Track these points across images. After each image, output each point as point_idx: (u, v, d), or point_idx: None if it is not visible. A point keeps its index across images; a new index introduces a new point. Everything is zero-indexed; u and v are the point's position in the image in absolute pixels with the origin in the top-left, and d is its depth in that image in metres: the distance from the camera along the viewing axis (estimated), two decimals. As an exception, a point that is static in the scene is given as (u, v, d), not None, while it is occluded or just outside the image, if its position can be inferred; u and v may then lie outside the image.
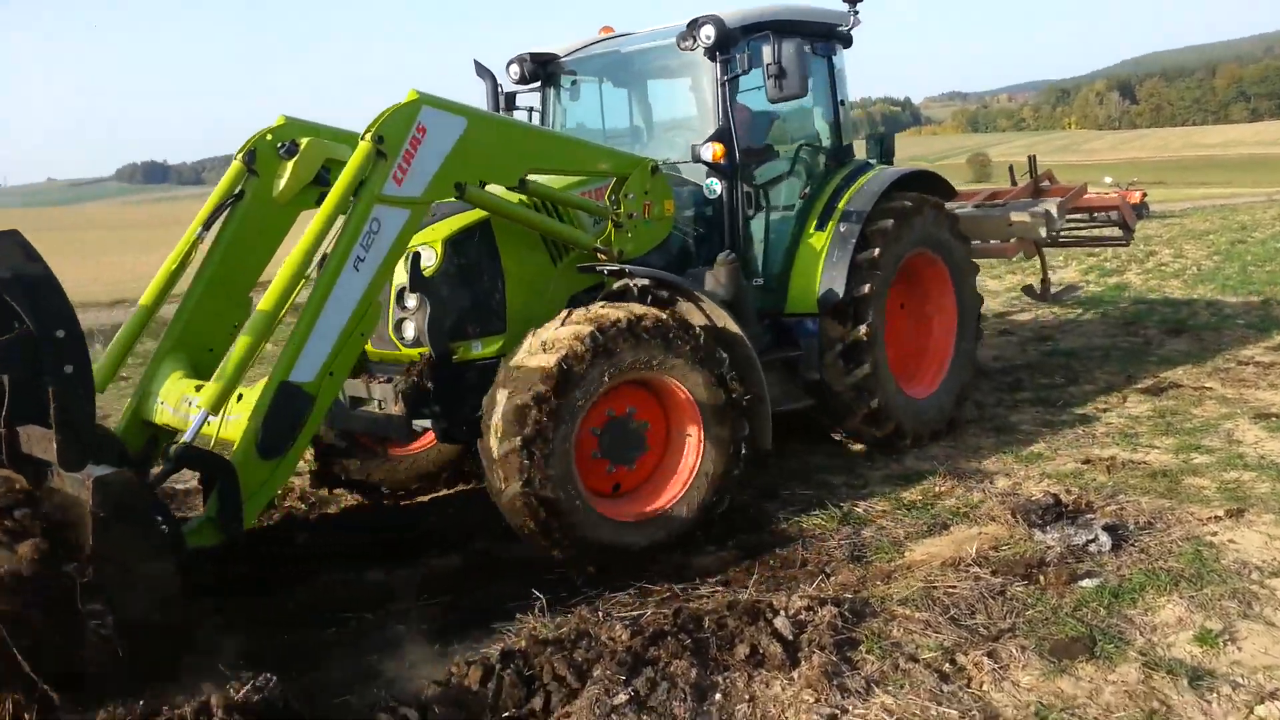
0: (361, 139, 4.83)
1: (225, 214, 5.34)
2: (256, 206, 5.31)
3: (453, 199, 5.25)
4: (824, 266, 6.86)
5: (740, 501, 5.94)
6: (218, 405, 4.41)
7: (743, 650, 4.03)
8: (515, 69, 7.34)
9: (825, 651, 3.99)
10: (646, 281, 5.78)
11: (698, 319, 5.80)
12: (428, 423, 5.52)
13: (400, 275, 5.40)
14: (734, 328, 5.81)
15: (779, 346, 6.87)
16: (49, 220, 74.83)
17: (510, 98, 7.41)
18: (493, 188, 5.56)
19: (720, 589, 4.87)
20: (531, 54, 7.29)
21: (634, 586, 4.91)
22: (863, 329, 6.77)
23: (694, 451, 5.53)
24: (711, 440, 5.49)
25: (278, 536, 6.03)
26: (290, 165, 5.24)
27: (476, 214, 5.66)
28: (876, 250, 6.88)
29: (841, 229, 6.94)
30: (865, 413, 6.91)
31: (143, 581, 3.57)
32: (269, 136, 5.31)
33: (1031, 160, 10.23)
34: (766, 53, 6.21)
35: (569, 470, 5.00)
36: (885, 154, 8.07)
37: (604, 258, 6.01)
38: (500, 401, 4.97)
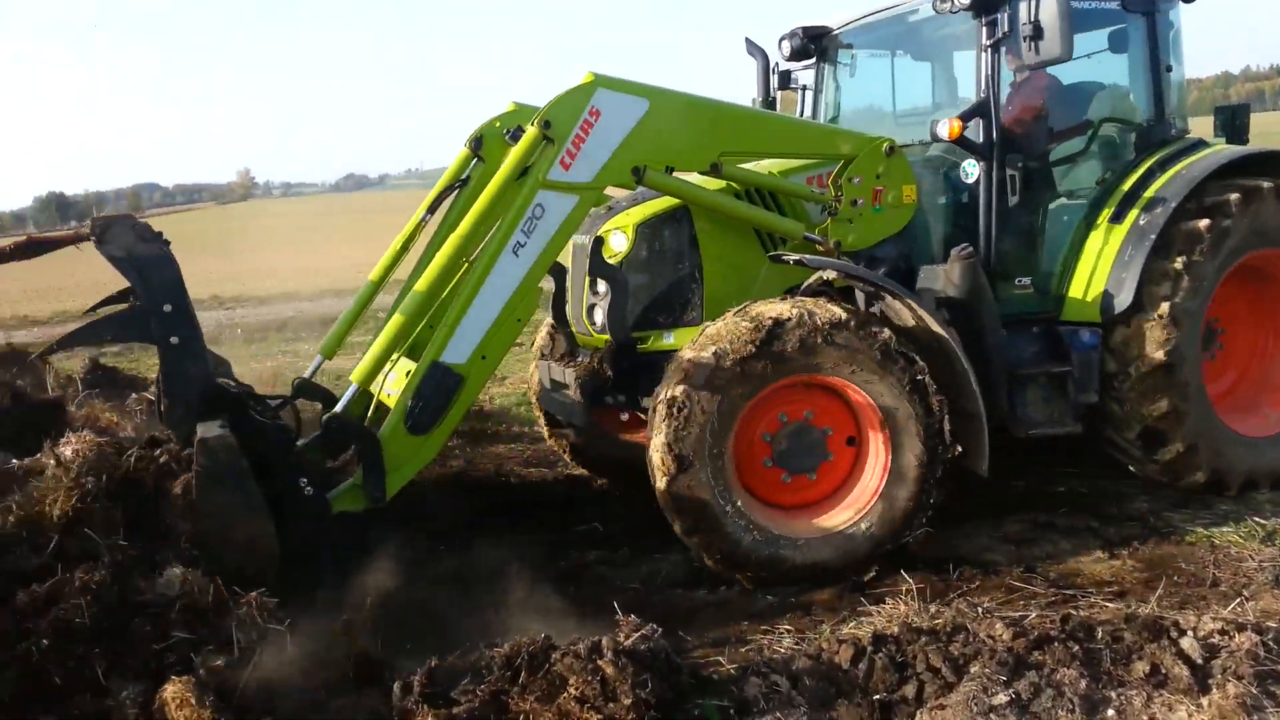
0: (531, 124, 4.84)
1: (451, 198, 5.58)
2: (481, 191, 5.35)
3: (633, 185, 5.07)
4: (1113, 267, 5.62)
5: (1137, 510, 5.43)
6: (367, 380, 4.62)
7: (1141, 668, 3.68)
8: (787, 44, 6.79)
9: (1243, 682, 3.54)
10: (833, 276, 5.25)
11: (906, 320, 5.10)
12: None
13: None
14: (940, 332, 4.92)
15: (1049, 359, 5.71)
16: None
17: (785, 75, 6.96)
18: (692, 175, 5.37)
19: (1114, 600, 4.50)
20: (804, 28, 6.72)
21: (1014, 587, 4.66)
22: (1160, 351, 5.44)
23: (879, 470, 4.93)
24: (898, 459, 4.86)
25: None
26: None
27: (676, 199, 5.45)
28: (1189, 247, 5.55)
29: (1141, 221, 5.62)
30: (1165, 457, 5.63)
31: (238, 538, 3.81)
32: (497, 124, 5.42)
33: None
34: (1023, 10, 5.21)
35: (720, 472, 4.69)
36: (1235, 132, 6.55)
37: (821, 249, 5.46)
38: (658, 394, 4.79)
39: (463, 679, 3.67)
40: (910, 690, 3.68)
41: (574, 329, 5.85)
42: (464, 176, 5.65)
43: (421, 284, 4.78)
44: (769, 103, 6.87)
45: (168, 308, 3.99)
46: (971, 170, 5.61)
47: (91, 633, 3.36)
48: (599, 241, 5.40)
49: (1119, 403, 5.61)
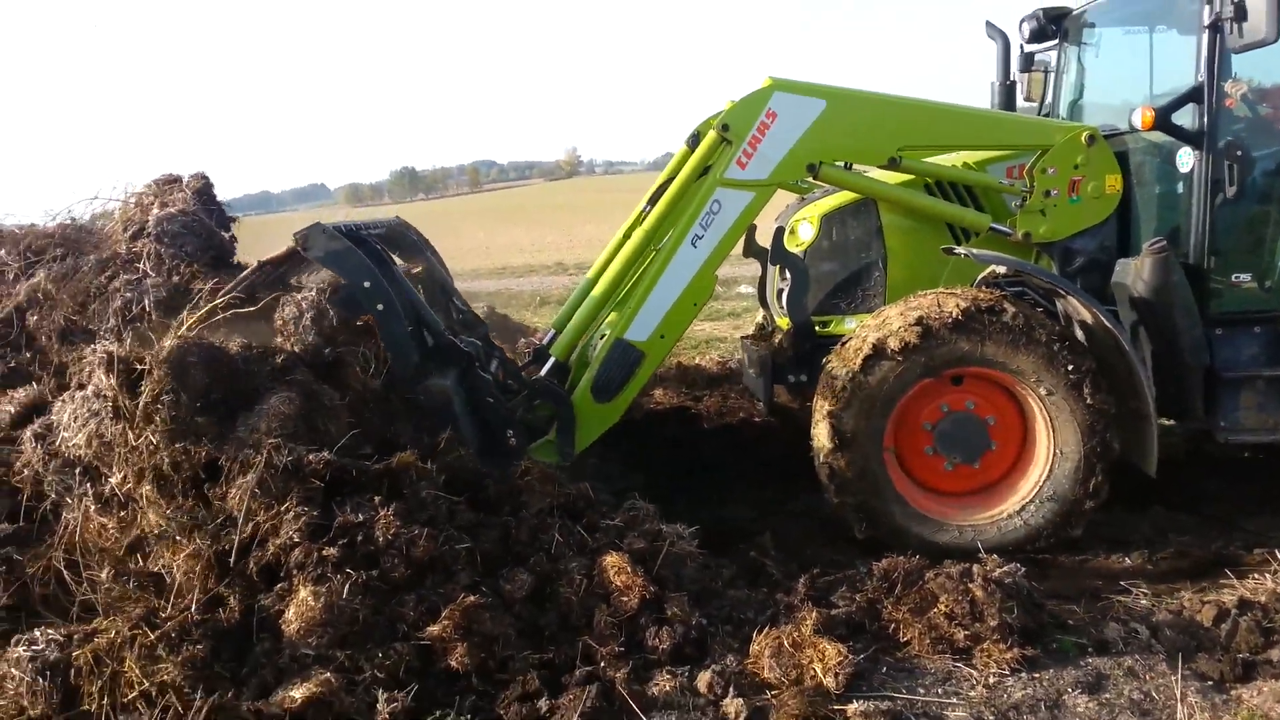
0: (712, 127, 5.16)
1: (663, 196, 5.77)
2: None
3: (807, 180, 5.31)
4: None
5: None
6: (564, 354, 5.27)
7: None
8: (1026, 26, 6.59)
9: None
10: (1004, 270, 5.07)
11: (1081, 315, 4.92)
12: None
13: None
14: (1110, 328, 4.72)
15: (1268, 361, 5.16)
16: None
17: (1028, 57, 6.74)
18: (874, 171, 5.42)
19: None
20: (1044, 9, 6.49)
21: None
22: None
23: (1042, 463, 4.89)
24: (1061, 453, 4.81)
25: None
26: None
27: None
28: None
29: None
30: None
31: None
32: (713, 122, 5.52)
33: None
34: None
35: (877, 450, 4.82)
36: None
37: (1014, 240, 5.43)
38: (825, 366, 4.99)
39: (840, 587, 4.21)
40: (1276, 654, 3.81)
41: (771, 312, 6.23)
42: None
43: (615, 267, 5.39)
44: (1009, 86, 6.73)
45: (366, 284, 4.56)
46: (1186, 160, 5.22)
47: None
48: (781, 231, 5.71)
49: None
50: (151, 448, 3.94)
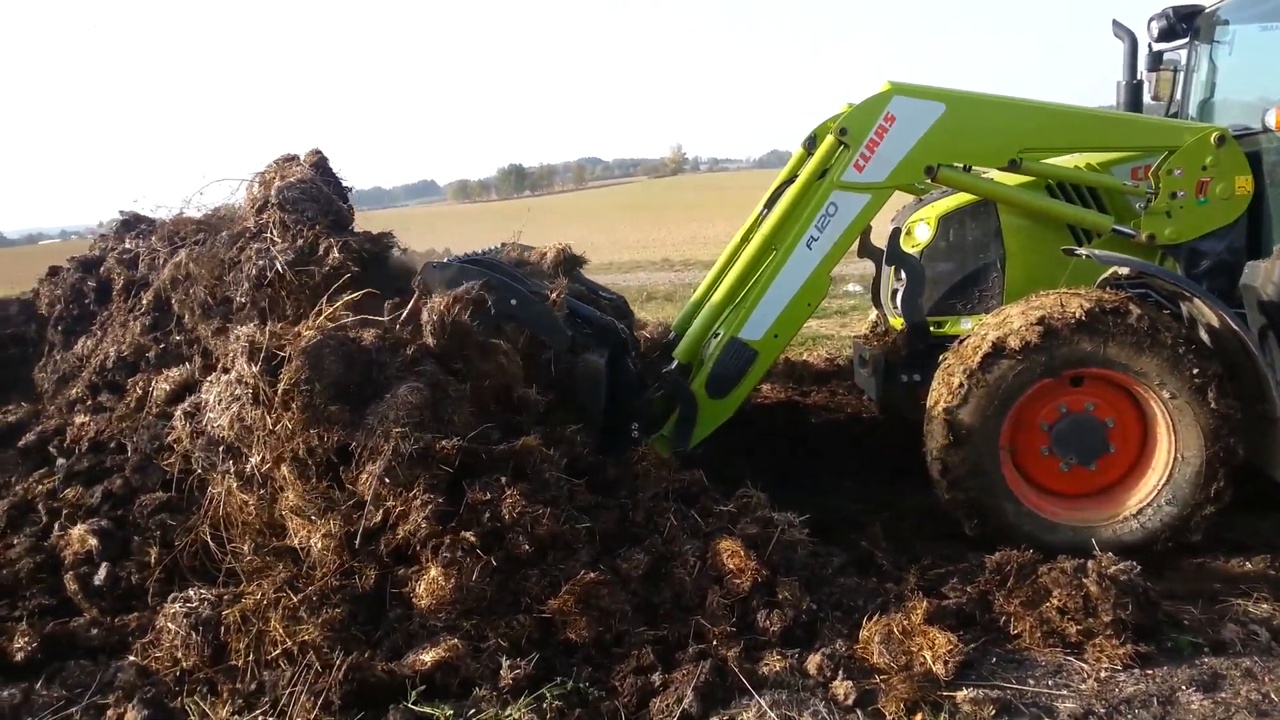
0: (830, 131, 5.22)
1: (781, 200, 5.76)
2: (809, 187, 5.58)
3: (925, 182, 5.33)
4: None
5: None
6: (687, 356, 5.38)
7: None
8: (1155, 25, 6.47)
9: None
10: (1127, 271, 4.91)
11: (1207, 318, 4.80)
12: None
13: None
14: (1237, 332, 4.61)
15: None
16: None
17: (1156, 56, 6.56)
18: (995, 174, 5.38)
19: None
20: (1174, 7, 6.37)
21: None
22: None
23: (1161, 467, 4.79)
24: (1182, 458, 4.70)
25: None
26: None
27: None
28: None
29: None
30: None
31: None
32: (830, 124, 5.49)
33: None
34: None
35: (992, 448, 4.78)
36: None
37: (1138, 242, 5.30)
38: (943, 361, 4.97)
39: (950, 579, 4.25)
40: (1403, 663, 3.70)
41: (885, 312, 6.24)
42: (798, 174, 5.98)
43: (736, 270, 5.47)
44: (1135, 85, 6.58)
45: (514, 302, 4.74)
46: None
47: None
48: (897, 231, 5.73)
49: None
50: (288, 433, 4.20)
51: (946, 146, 5.25)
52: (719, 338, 5.39)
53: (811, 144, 5.62)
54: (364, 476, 4.12)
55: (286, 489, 4.30)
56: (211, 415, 4.50)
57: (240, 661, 3.89)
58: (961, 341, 5.00)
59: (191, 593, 4.17)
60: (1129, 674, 3.64)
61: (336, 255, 5.09)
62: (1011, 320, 4.82)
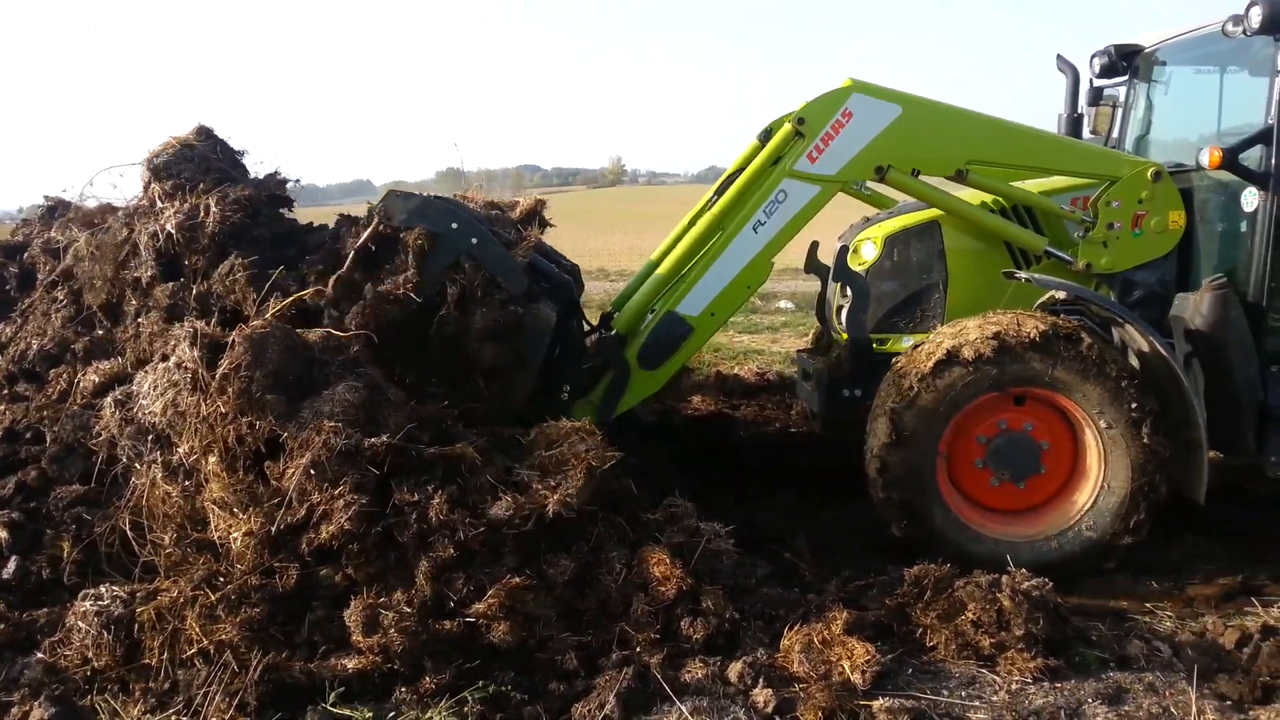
0: (787, 120, 5.31)
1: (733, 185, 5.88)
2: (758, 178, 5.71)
3: (872, 181, 5.51)
4: None
5: None
6: (626, 326, 5.40)
7: None
8: (1097, 61, 6.66)
9: None
10: (1064, 295, 5.13)
11: (1139, 344, 4.97)
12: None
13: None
14: (1167, 360, 4.77)
15: None
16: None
17: (1096, 91, 6.75)
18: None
19: None
20: (1116, 46, 6.56)
21: None
22: None
23: (1088, 491, 4.97)
24: (1109, 483, 4.89)
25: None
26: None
27: (927, 214, 5.72)
28: None
29: None
30: None
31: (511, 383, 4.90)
32: (788, 119, 5.56)
33: None
34: None
35: (930, 454, 4.90)
36: None
37: (1074, 269, 5.49)
38: (895, 365, 5.09)
39: (870, 591, 4.34)
40: (1292, 681, 3.88)
41: (829, 327, 6.34)
42: (748, 163, 6.06)
43: (680, 248, 5.55)
44: (1075, 118, 6.80)
45: (454, 225, 4.80)
46: (1251, 199, 5.23)
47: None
48: (845, 250, 5.82)
49: None
50: (221, 417, 4.15)
51: (897, 149, 5.35)
52: (655, 312, 5.45)
53: (766, 136, 5.69)
54: (290, 470, 4.08)
55: (211, 481, 4.24)
56: (144, 402, 4.44)
57: (154, 660, 3.82)
58: (916, 347, 5.11)
59: (103, 589, 4.07)
60: (1039, 686, 3.75)
61: (215, 210, 5.09)
62: (968, 332, 4.94)
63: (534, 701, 3.59)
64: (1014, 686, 3.74)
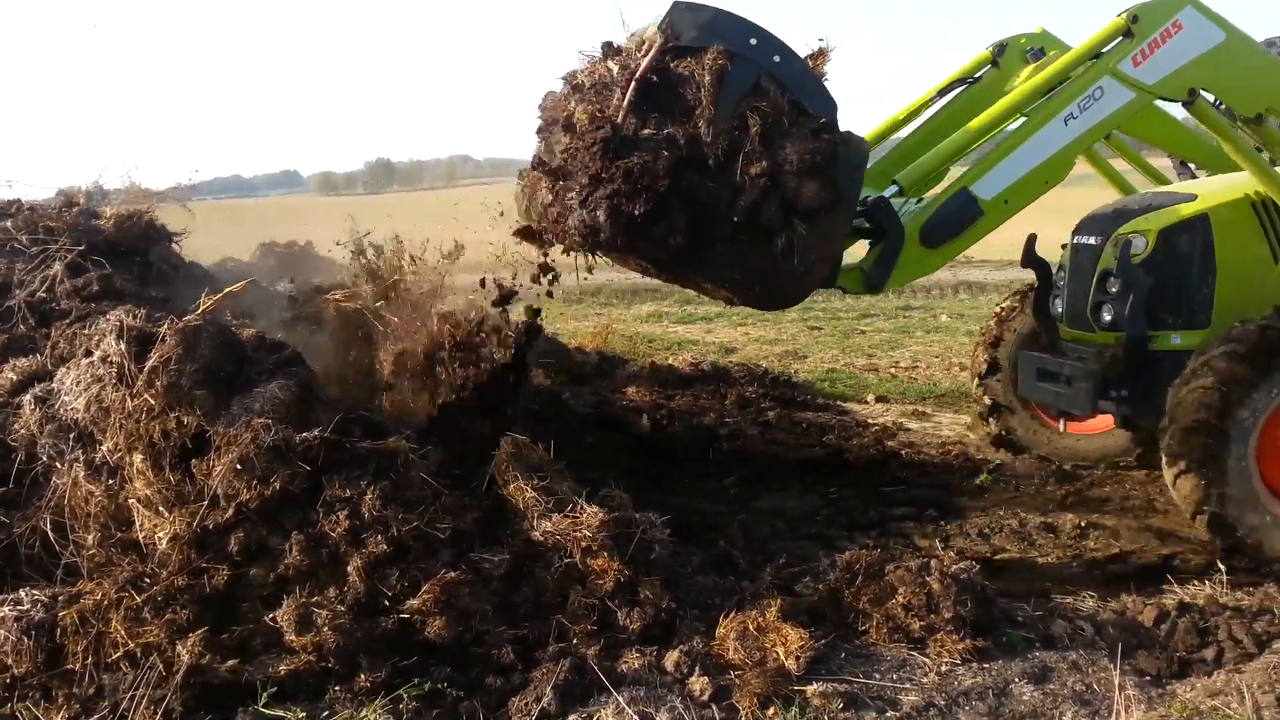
0: (1120, 14, 5.07)
1: (958, 90, 5.94)
2: (987, 94, 5.73)
3: (1180, 104, 5.21)
4: None
5: None
6: (912, 184, 5.06)
7: None
8: None
9: None
10: None
11: None
12: (1111, 405, 5.60)
13: (1108, 259, 5.63)
14: None
15: None
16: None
17: None
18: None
19: None
20: None
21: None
22: None
23: None
24: None
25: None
26: (1030, 70, 5.64)
27: (1194, 207, 5.62)
28: None
29: None
30: None
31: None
32: (1023, 40, 5.68)
33: None
34: None
35: (1242, 448, 4.78)
36: None
37: None
38: (1206, 352, 4.97)
39: (803, 577, 4.40)
40: (1210, 654, 4.05)
41: (1064, 327, 6.11)
42: (977, 75, 6.07)
43: (976, 123, 5.23)
44: None
45: (753, 40, 4.10)
46: None
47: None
48: (1128, 243, 5.61)
49: None
50: (148, 410, 4.05)
51: (1214, 75, 5.18)
52: (948, 187, 5.09)
53: (999, 51, 5.59)
54: (219, 467, 4.00)
55: (136, 479, 4.14)
56: (67, 399, 4.32)
57: (78, 665, 3.72)
58: (1190, 367, 4.98)
59: (23, 593, 3.95)
60: (967, 667, 3.83)
61: None
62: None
63: (470, 697, 3.57)
64: (944, 668, 3.82)
